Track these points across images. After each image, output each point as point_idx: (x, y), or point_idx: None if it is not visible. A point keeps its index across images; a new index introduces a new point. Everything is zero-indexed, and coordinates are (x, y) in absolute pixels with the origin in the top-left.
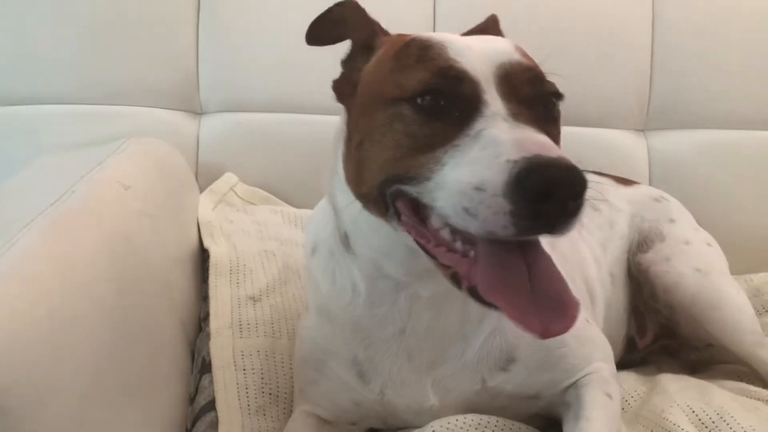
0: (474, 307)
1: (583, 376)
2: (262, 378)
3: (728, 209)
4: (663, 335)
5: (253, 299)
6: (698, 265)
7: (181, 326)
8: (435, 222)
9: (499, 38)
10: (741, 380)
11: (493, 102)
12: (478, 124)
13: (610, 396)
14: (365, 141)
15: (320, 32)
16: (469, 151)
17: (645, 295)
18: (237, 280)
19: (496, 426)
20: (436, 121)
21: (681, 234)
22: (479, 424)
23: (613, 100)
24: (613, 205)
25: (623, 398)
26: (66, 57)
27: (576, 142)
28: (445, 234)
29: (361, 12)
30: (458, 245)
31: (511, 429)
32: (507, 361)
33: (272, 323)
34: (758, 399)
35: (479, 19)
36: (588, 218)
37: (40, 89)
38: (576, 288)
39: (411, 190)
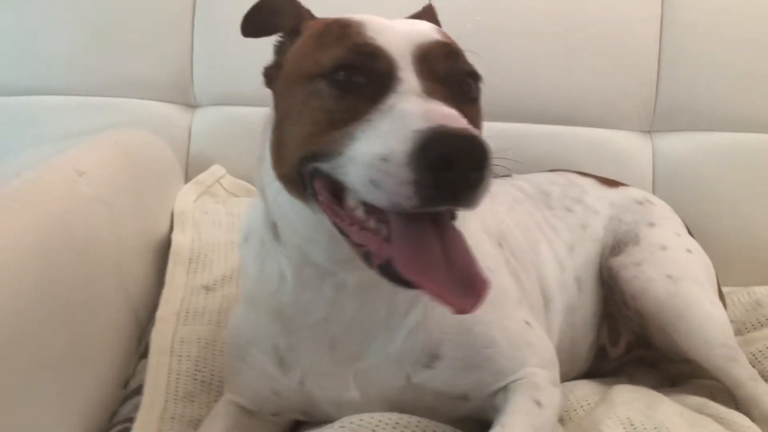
0: (401, 299)
1: (514, 381)
2: (197, 365)
3: (735, 215)
4: (639, 345)
5: (207, 288)
6: (670, 272)
7: (133, 312)
8: (350, 201)
9: (422, 21)
10: (713, 396)
11: (408, 79)
12: (391, 99)
13: (539, 404)
14: (285, 120)
15: (255, 24)
16: (379, 125)
17: (617, 302)
18: (195, 269)
19: (417, 427)
20: (351, 97)
21: (658, 238)
22: (397, 423)
23: (619, 101)
24: (590, 207)
25: (572, 408)
26: (64, 49)
27: (579, 143)
28: (360, 213)
29: (291, 0)
30: (371, 224)
31: (434, 430)
32: (431, 358)
33: (219, 312)
34: (711, 416)
35: (469, 14)
36: (557, 219)
37: (39, 81)
38: (527, 291)
39: (325, 167)
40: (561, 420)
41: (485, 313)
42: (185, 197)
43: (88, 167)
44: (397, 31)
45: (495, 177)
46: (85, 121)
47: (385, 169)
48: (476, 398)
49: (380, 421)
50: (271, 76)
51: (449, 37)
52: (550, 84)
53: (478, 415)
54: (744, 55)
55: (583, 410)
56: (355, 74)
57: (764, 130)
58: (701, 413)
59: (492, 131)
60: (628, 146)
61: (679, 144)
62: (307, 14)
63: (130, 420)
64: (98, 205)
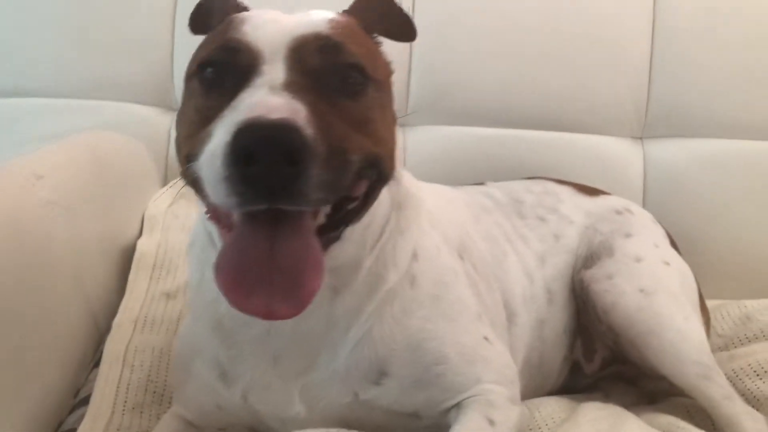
0: (339, 313)
1: (467, 398)
2: (149, 376)
3: (729, 225)
4: (615, 360)
5: (168, 295)
6: (644, 285)
7: (92, 319)
8: None
9: (318, 13)
10: (690, 415)
11: (270, 72)
12: (244, 94)
13: (492, 422)
14: (177, 121)
15: (196, 22)
16: (225, 121)
17: (590, 316)
18: (158, 275)
19: None
20: (215, 94)
21: (633, 250)
22: None
23: (609, 106)
24: (564, 216)
25: (536, 426)
26: (44, 51)
27: (568, 149)
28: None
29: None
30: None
31: None
32: (378, 374)
33: (178, 321)
34: None
35: (458, 17)
36: (528, 229)
37: (19, 82)
38: (488, 305)
39: (196, 167)
40: None
41: (437, 328)
42: (159, 202)
43: (48, 170)
44: (278, 25)
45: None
46: (66, 123)
47: (210, 164)
48: (428, 416)
49: None
50: None
51: (340, 29)
52: (539, 88)
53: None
54: (738, 60)
55: (548, 428)
56: (219, 70)
57: (759, 137)
58: None
59: (478, 136)
60: (619, 153)
61: (671, 151)
62: (233, 9)
63: (74, 431)
64: (56, 208)
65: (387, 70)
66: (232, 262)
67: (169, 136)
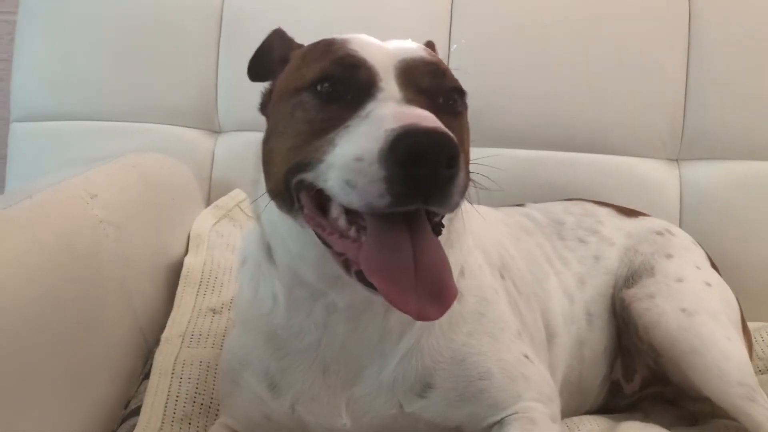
0: (394, 323)
1: (509, 415)
2: (197, 388)
3: (765, 247)
4: (655, 381)
5: (214, 311)
6: (685, 305)
7: (141, 333)
8: (333, 211)
9: (410, 41)
10: None
11: (389, 88)
12: (370, 106)
13: None
14: (272, 135)
15: (257, 68)
16: (357, 129)
17: (631, 335)
18: (204, 292)
19: None
20: (333, 106)
21: (674, 270)
22: None
23: (645, 128)
24: (605, 238)
25: None
26: (94, 77)
27: (604, 171)
28: (342, 222)
29: (283, 35)
30: (352, 232)
31: None
32: (423, 387)
33: (224, 336)
34: None
35: (494, 42)
36: (569, 250)
37: (68, 106)
38: (528, 323)
39: (309, 176)
40: None
41: (480, 344)
42: (203, 221)
43: (101, 190)
44: (381, 47)
45: (475, 187)
46: (113, 145)
47: (359, 169)
48: (471, 431)
49: None
50: (265, 103)
51: (437, 57)
52: (575, 111)
53: None
54: None
55: None
56: (337, 84)
57: None
58: None
59: (514, 158)
60: (655, 175)
61: (707, 173)
62: (295, 45)
63: None
64: (108, 226)
65: None
66: (384, 264)
67: (213, 157)
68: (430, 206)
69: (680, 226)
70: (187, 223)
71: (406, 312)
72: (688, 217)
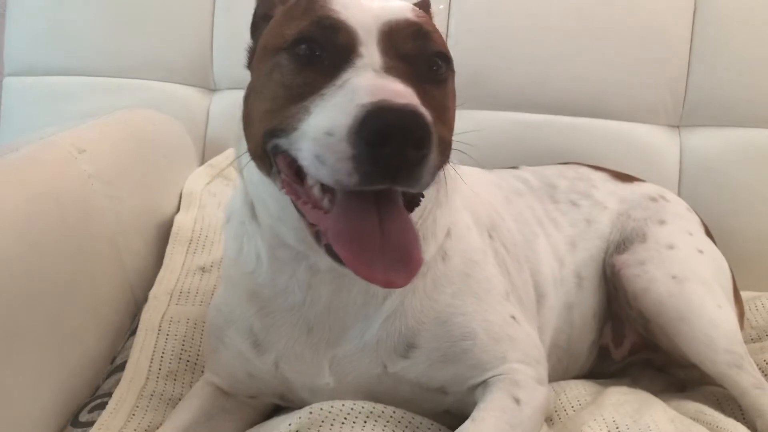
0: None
1: (493, 376)
2: (183, 345)
3: (765, 215)
4: (645, 347)
5: (203, 269)
6: (675, 272)
7: (130, 290)
8: (309, 180)
9: (398, 3)
10: (720, 404)
11: (368, 54)
12: (347, 74)
13: (517, 401)
14: (251, 94)
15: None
16: (331, 99)
17: (621, 301)
18: (194, 250)
19: (392, 417)
20: (309, 71)
21: (666, 237)
22: (371, 413)
23: (646, 93)
24: (598, 202)
25: (562, 408)
26: (90, 32)
27: (603, 136)
28: (316, 191)
29: None
30: (325, 202)
31: (410, 422)
32: (407, 347)
33: (212, 293)
34: (707, 423)
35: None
36: (561, 213)
37: (62, 62)
38: (517, 284)
39: (284, 143)
40: (550, 420)
41: (465, 304)
42: (196, 179)
43: (90, 145)
44: (365, 7)
45: (450, 163)
46: (107, 101)
47: (328, 145)
48: (455, 392)
49: (352, 409)
50: (250, 60)
51: (424, 17)
52: (574, 74)
53: (459, 410)
54: None
55: (573, 410)
56: (315, 48)
57: None
58: (696, 420)
59: (512, 121)
60: (655, 141)
61: (708, 140)
62: (279, 1)
63: (110, 395)
64: (97, 182)
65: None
66: (349, 235)
67: (208, 115)
68: (399, 186)
69: (678, 193)
70: (179, 181)
71: (371, 281)
72: (687, 184)
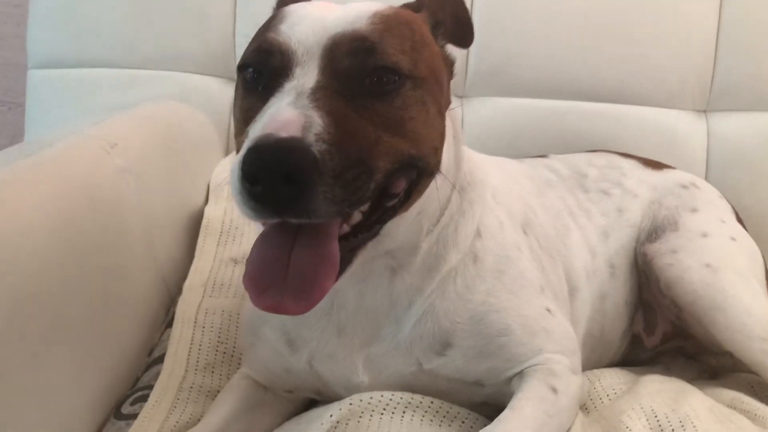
0: (399, 290)
1: (529, 366)
2: (219, 337)
3: None
4: (676, 335)
5: (235, 261)
6: (709, 260)
7: (163, 282)
8: None
9: (363, 6)
10: (754, 391)
11: (301, 75)
12: (273, 99)
13: (554, 390)
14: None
15: None
16: (254, 128)
17: (653, 290)
18: (225, 241)
19: (429, 407)
20: (252, 95)
21: (698, 225)
22: (409, 403)
23: (672, 78)
24: (629, 190)
25: (597, 396)
26: (111, 24)
27: (629, 122)
28: None
29: None
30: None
31: (448, 412)
32: (442, 346)
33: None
34: (745, 411)
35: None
36: (592, 203)
37: (83, 53)
38: (551, 278)
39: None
40: (585, 408)
41: (500, 301)
42: (223, 171)
43: (121, 139)
44: (316, 22)
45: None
46: (129, 93)
47: (231, 178)
48: (491, 384)
49: (391, 399)
50: None
51: (377, 26)
52: (599, 59)
53: (495, 400)
54: None
55: (609, 399)
56: (256, 72)
57: None
58: (734, 408)
59: (537, 108)
60: (682, 126)
61: (736, 125)
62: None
63: (150, 387)
64: (128, 175)
65: (435, 64)
66: (254, 263)
67: (231, 107)
68: (291, 218)
69: (706, 179)
70: (206, 172)
71: (261, 308)
72: (715, 169)
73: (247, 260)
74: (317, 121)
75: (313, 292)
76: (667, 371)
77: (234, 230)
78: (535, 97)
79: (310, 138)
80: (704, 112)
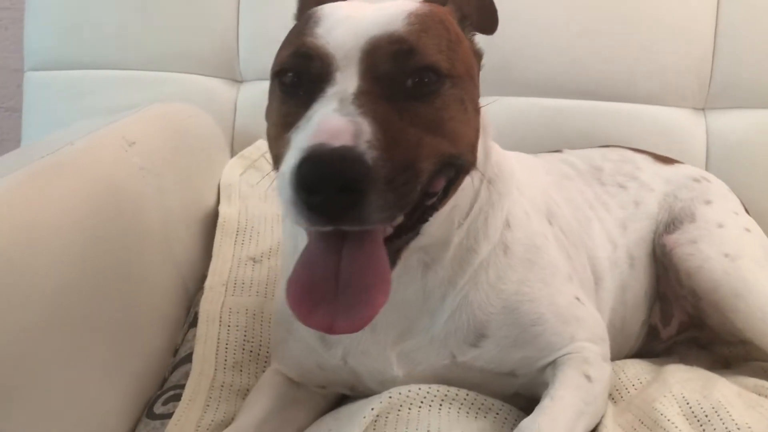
0: (432, 285)
1: (563, 355)
2: (245, 335)
3: None
4: (692, 325)
5: (254, 260)
6: (727, 250)
7: (182, 282)
8: None
9: (396, 5)
10: None
11: (343, 80)
12: (316, 105)
13: (589, 378)
14: (266, 115)
15: None
16: (298, 136)
17: (671, 280)
18: (242, 241)
19: (465, 400)
20: (292, 101)
21: (714, 216)
22: (446, 396)
23: (671, 76)
24: (644, 184)
25: (623, 386)
26: (111, 24)
27: (629, 120)
28: None
29: None
30: None
31: (483, 404)
32: (477, 337)
33: (266, 284)
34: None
35: None
36: (609, 196)
37: (85, 55)
38: (577, 268)
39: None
40: (611, 398)
41: (532, 290)
42: (231, 170)
43: (138, 137)
44: (352, 25)
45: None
46: (132, 94)
47: (283, 186)
48: (524, 374)
49: (428, 392)
50: None
51: (426, 22)
52: (599, 58)
53: (528, 391)
54: None
55: (635, 389)
56: (296, 77)
57: None
58: (759, 395)
59: (541, 107)
60: (680, 124)
61: (735, 122)
62: (312, 2)
63: (180, 387)
64: (147, 174)
65: (469, 60)
66: (301, 279)
67: (235, 107)
68: (345, 226)
69: None
70: (215, 172)
71: (313, 327)
72: (714, 167)
73: (292, 277)
74: (366, 128)
75: (367, 310)
76: (682, 361)
77: (250, 229)
78: (538, 96)
79: (362, 146)
80: (703, 109)
